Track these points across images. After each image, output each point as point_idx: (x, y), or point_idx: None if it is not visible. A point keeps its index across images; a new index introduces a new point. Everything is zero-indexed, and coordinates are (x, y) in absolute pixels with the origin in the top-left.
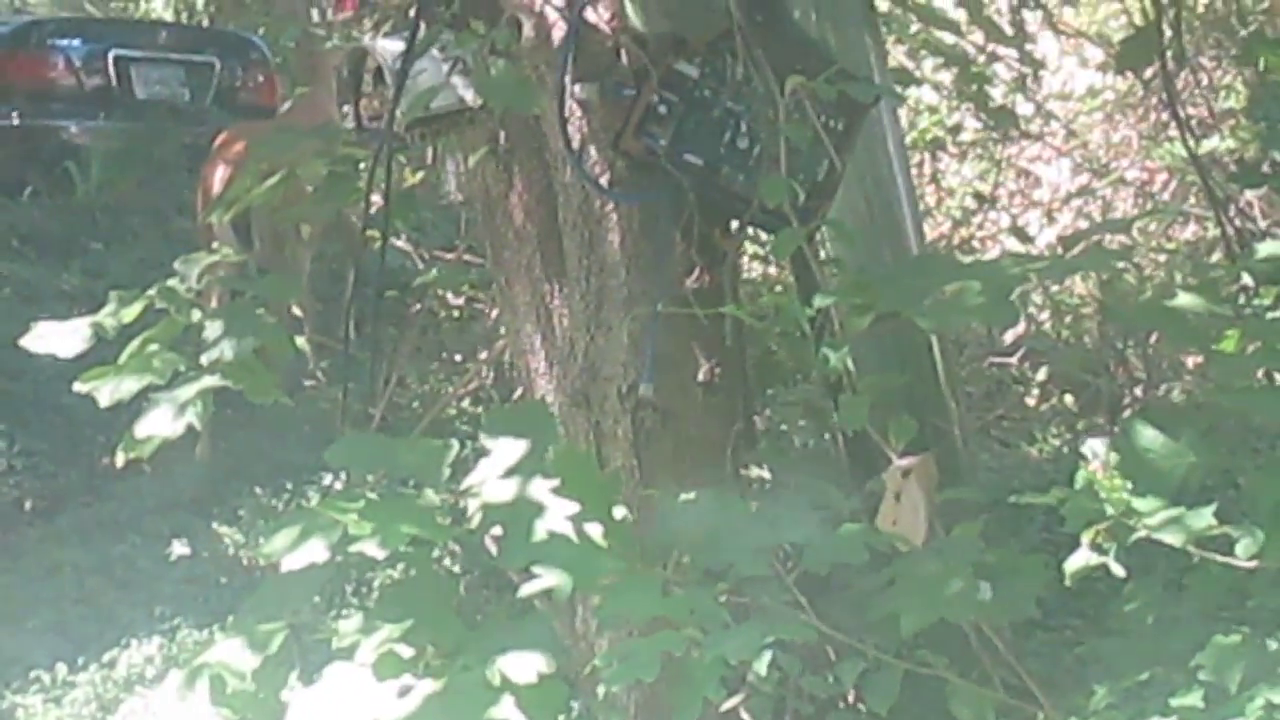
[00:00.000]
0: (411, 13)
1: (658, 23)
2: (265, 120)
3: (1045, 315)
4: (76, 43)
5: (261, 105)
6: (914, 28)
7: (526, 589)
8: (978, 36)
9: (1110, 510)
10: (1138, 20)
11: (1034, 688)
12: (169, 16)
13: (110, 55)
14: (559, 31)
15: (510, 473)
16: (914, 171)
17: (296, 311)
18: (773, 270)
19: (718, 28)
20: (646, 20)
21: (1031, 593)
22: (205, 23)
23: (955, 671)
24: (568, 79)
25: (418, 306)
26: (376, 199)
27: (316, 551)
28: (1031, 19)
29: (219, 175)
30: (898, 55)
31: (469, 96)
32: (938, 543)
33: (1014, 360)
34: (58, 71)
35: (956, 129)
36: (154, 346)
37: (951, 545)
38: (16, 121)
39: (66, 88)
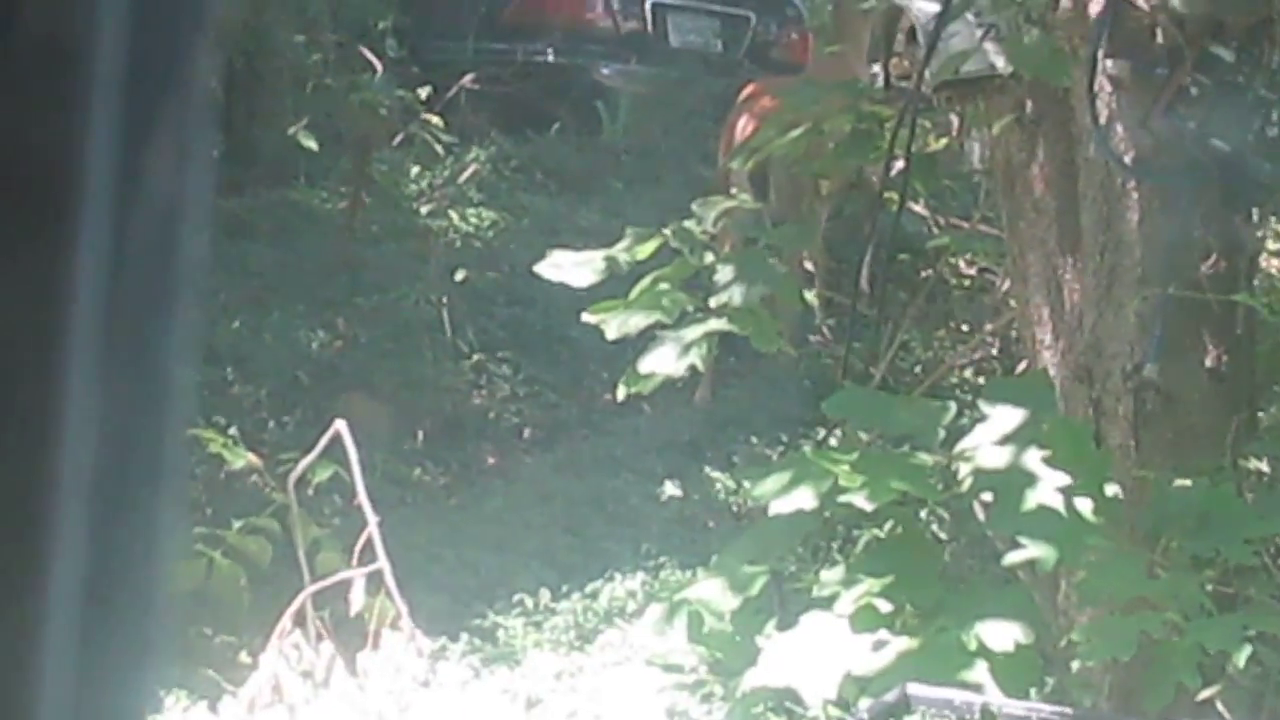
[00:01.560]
0: None
1: (1196, 4)
2: (794, 76)
3: None
4: None
5: (793, 62)
6: None
7: (1011, 557)
8: None
9: None
10: None
11: None
12: None
13: (649, 1)
14: (1096, 5)
15: (1005, 440)
16: None
17: (808, 265)
18: None
19: (1257, 12)
20: (1185, 0)
21: None
22: None
23: None
24: (1100, 53)
25: (929, 272)
26: (898, 161)
27: (805, 498)
28: None
29: (742, 125)
30: None
31: (999, 63)
32: None
33: None
34: (595, 13)
35: None
36: (664, 285)
37: None
38: (551, 58)
39: (602, 29)
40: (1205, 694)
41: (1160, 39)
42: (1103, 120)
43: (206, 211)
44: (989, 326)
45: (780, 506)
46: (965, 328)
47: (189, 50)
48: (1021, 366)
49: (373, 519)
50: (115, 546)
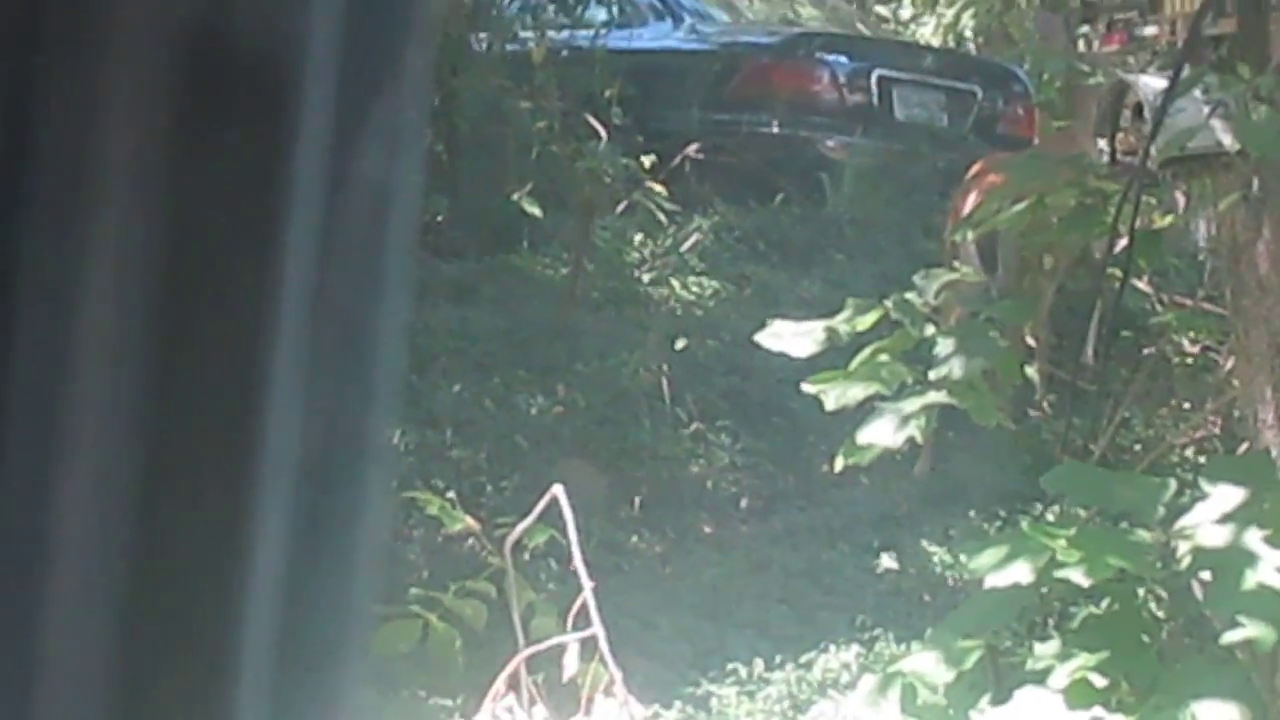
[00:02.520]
0: (1178, 51)
1: None
2: (1021, 151)
3: None
4: (843, 59)
5: (1019, 137)
6: None
7: (1229, 637)
8: None
9: None
10: None
11: None
12: (936, 42)
13: (874, 74)
14: None
15: (1225, 519)
16: None
17: (1030, 340)
18: None
19: None
20: None
21: None
22: (971, 51)
23: None
24: None
25: (1151, 349)
26: (1122, 237)
27: (1022, 572)
28: None
29: (970, 200)
30: None
31: (1226, 140)
32: None
33: None
34: (821, 85)
35: None
36: (884, 357)
37: None
38: (776, 129)
39: (828, 101)
40: None
41: None
42: None
43: (414, 206)
44: (1211, 405)
45: (996, 580)
46: (1187, 406)
47: (400, 50)
48: (1244, 447)
49: (588, 584)
50: (319, 536)
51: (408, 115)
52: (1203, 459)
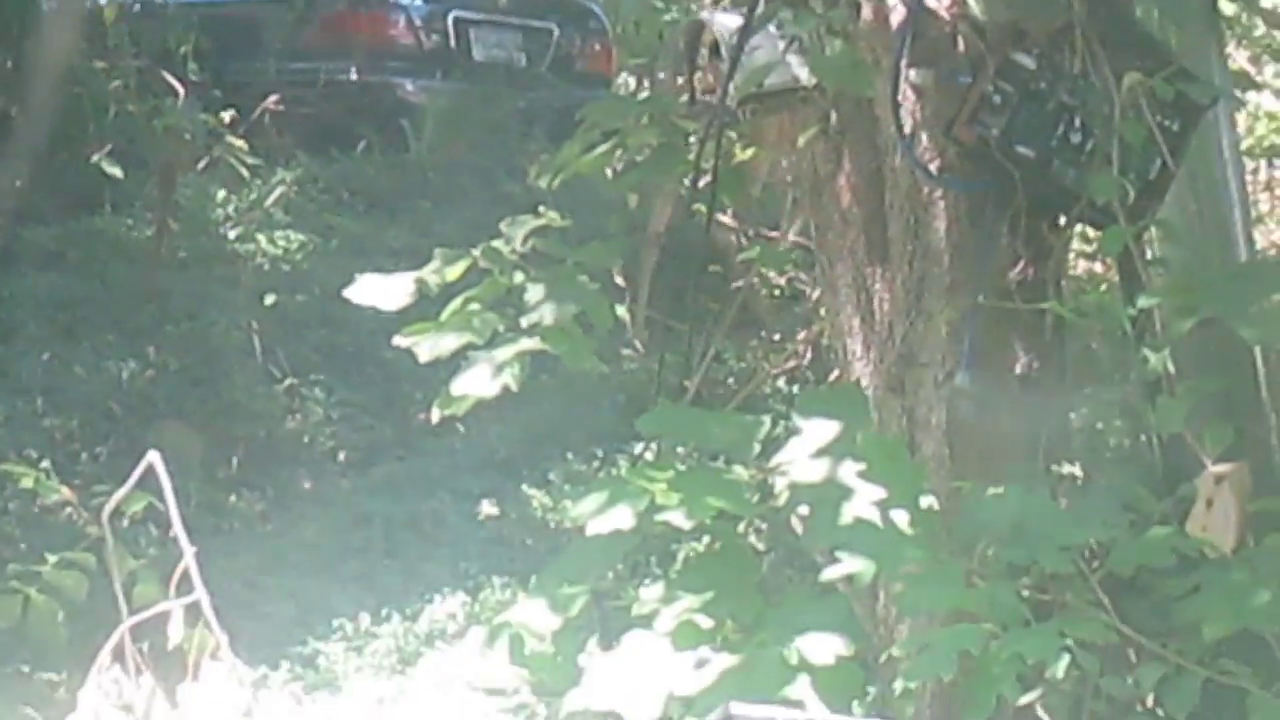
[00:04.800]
0: None
1: (997, 11)
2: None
3: None
4: (418, 2)
5: (597, 74)
6: (1258, 31)
7: (829, 572)
8: None
9: None
10: None
11: None
12: None
13: (450, 16)
14: (897, 15)
15: (820, 454)
16: (1248, 178)
17: (619, 280)
18: (1097, 268)
19: (1058, 19)
20: (986, 8)
21: None
22: None
23: (1258, 682)
24: (903, 63)
25: (739, 283)
26: (706, 175)
27: (623, 517)
28: None
29: None
30: (1239, 59)
31: (803, 75)
32: (1247, 552)
33: None
34: (397, 30)
35: None
36: (475, 306)
37: (1261, 555)
38: (354, 77)
39: (405, 46)
40: (1026, 700)
41: (962, 47)
42: (907, 130)
43: None
44: (801, 336)
45: (598, 526)
46: (778, 337)
47: None
48: (834, 376)
49: (189, 549)
50: None
51: None
52: (796, 389)
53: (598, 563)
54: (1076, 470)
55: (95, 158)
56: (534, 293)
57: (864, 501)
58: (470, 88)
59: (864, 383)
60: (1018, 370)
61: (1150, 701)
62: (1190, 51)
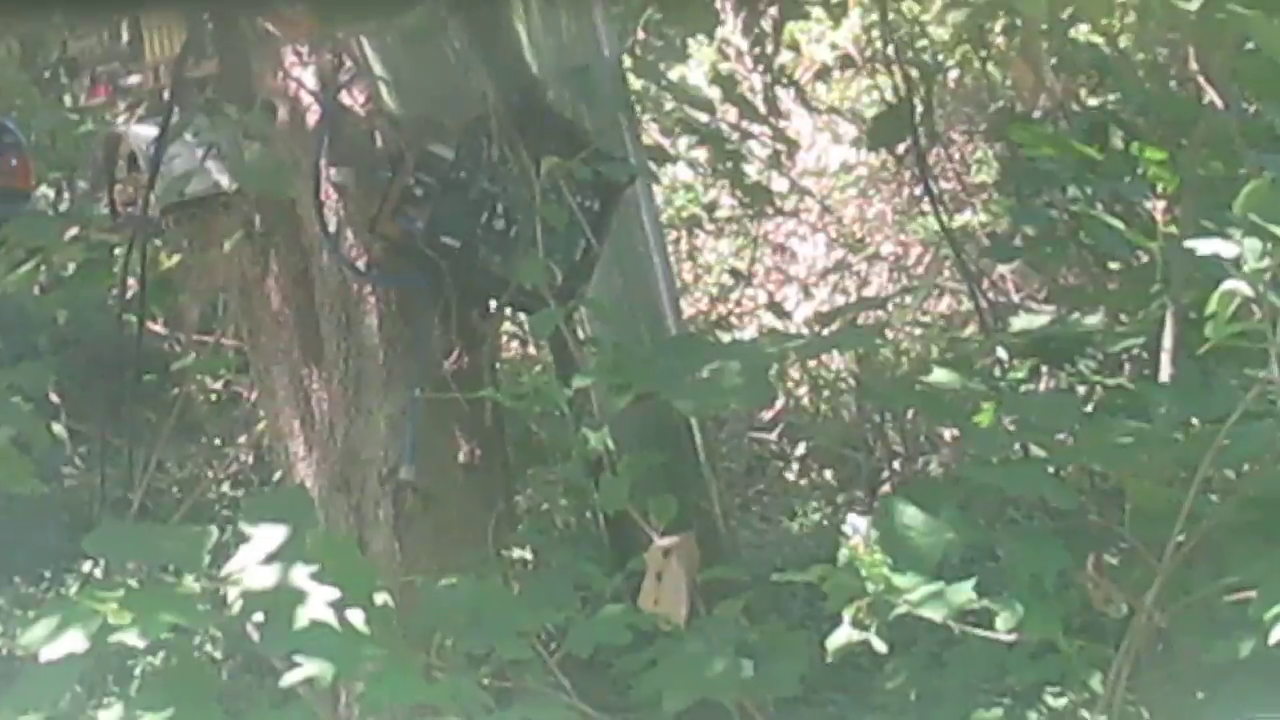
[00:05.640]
0: (165, 98)
1: (413, 106)
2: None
3: (803, 390)
4: None
5: (14, 190)
6: (668, 106)
7: (289, 678)
8: (732, 114)
9: (871, 587)
10: (889, 97)
11: None
12: None
13: None
14: (314, 115)
15: (270, 559)
16: (671, 249)
17: (54, 398)
18: (532, 350)
19: (473, 110)
20: (401, 103)
21: (795, 670)
22: None
23: None
24: (323, 162)
25: (176, 390)
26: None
27: (75, 642)
28: (784, 96)
29: None
30: (652, 133)
31: (224, 181)
32: (700, 621)
33: (773, 436)
34: None
35: (713, 206)
36: None
37: (713, 624)
38: None
39: None
40: None
41: (380, 143)
42: (332, 228)
43: None
44: (242, 440)
45: (51, 653)
46: (219, 442)
47: None
48: (278, 478)
49: None
50: None
51: None
52: (241, 493)
53: (53, 688)
54: (527, 554)
55: None
56: None
57: (318, 603)
58: None
59: (309, 483)
60: (461, 459)
61: None
62: (604, 131)
